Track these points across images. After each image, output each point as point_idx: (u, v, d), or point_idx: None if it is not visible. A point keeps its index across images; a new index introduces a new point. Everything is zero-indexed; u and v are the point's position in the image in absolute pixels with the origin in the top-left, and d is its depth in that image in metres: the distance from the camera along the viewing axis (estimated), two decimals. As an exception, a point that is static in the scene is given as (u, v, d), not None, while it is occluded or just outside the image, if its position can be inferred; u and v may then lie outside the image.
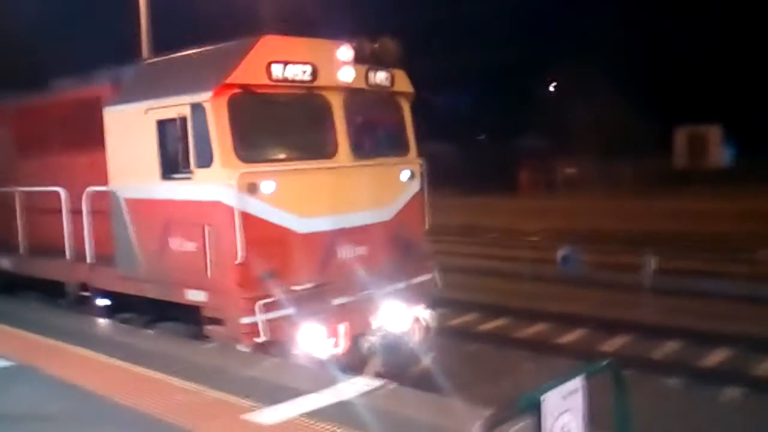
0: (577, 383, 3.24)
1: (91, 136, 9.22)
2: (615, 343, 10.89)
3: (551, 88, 48.27)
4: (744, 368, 9.39)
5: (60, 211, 9.91)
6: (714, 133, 43.24)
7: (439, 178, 9.46)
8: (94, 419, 5.71)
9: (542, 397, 3.06)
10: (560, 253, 16.28)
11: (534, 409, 3.04)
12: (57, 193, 9.88)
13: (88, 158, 9.55)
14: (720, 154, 43.52)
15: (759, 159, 37.63)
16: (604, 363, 3.42)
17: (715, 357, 9.95)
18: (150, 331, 8.67)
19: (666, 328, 11.18)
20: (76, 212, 9.62)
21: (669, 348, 10.47)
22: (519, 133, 47.95)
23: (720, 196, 32.39)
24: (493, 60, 44.28)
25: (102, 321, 9.28)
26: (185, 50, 8.76)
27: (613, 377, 3.51)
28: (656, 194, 34.86)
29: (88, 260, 9.51)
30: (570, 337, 11.39)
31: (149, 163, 8.22)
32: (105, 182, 9.00)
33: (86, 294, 9.76)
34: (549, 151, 44.53)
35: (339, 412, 5.58)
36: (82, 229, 9.50)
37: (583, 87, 39.94)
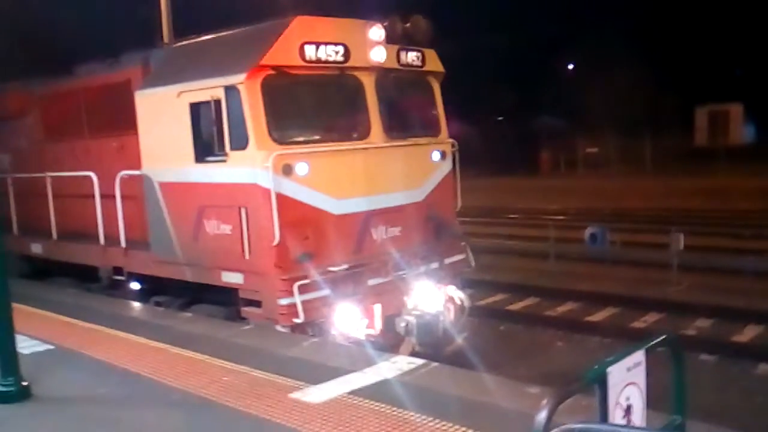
0: (639, 356, 3.24)
1: (122, 120, 9.28)
2: (646, 321, 10.89)
3: (570, 67, 47.72)
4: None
5: (92, 195, 9.99)
6: (735, 111, 42.69)
7: (461, 159, 9.44)
8: (144, 401, 5.79)
9: (608, 370, 3.07)
10: (588, 232, 16.19)
11: (600, 381, 3.05)
12: (89, 178, 9.95)
13: (120, 142, 9.64)
14: (741, 132, 42.99)
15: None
16: (664, 338, 3.43)
17: (747, 333, 9.93)
18: (188, 314, 8.77)
19: (696, 305, 11.17)
20: (108, 197, 9.70)
21: (700, 324, 10.45)
22: (538, 113, 47.56)
23: (742, 173, 32.05)
24: (511, 39, 43.82)
25: (138, 305, 9.40)
26: (213, 33, 8.76)
27: (672, 352, 3.51)
28: (678, 172, 34.56)
29: (122, 244, 9.62)
30: (600, 315, 11.38)
31: (183, 146, 8.25)
32: (137, 166, 9.06)
33: (119, 278, 9.89)
34: (569, 130, 44.18)
35: (381, 390, 5.63)
36: (115, 214, 9.59)
37: (603, 65, 39.44)
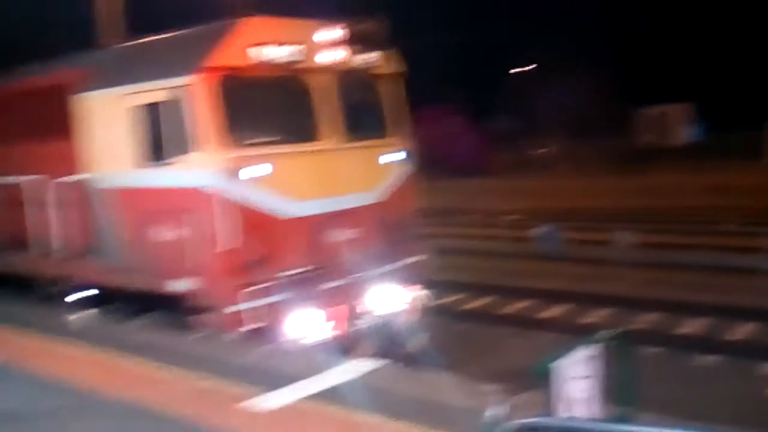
0: (587, 351, 3.31)
1: (60, 125, 8.88)
2: (596, 316, 11.11)
3: (521, 69, 48.54)
4: (717, 336, 9.71)
5: (29, 202, 9.59)
6: (679, 112, 44.15)
7: (416, 160, 9.48)
8: (86, 414, 5.61)
9: (555, 365, 3.12)
10: (539, 231, 16.48)
11: (547, 376, 3.10)
12: (24, 184, 9.53)
13: (57, 147, 9.21)
14: (685, 131, 44.48)
15: (725, 136, 38.59)
16: (612, 332, 3.50)
17: (692, 325, 10.23)
18: (133, 323, 8.51)
19: (643, 300, 11.44)
20: (47, 204, 9.34)
21: (647, 318, 10.72)
22: (490, 114, 48.24)
23: (686, 171, 33.17)
24: (463, 41, 44.34)
25: (81, 315, 9.01)
26: (158, 34, 8.56)
27: (619, 346, 3.59)
28: (626, 172, 35.48)
29: (62, 253, 9.25)
30: (553, 312, 11.56)
31: (127, 150, 8.01)
32: (76, 171, 8.71)
33: (60, 288, 9.52)
34: (520, 132, 44.94)
35: (336, 395, 5.60)
36: (54, 221, 9.22)
37: (552, 68, 40.29)
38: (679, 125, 44.03)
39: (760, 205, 21.52)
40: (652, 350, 9.22)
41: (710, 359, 8.86)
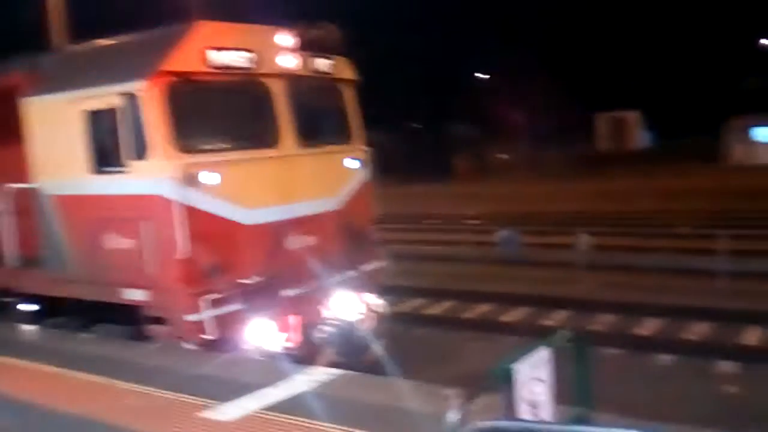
0: (544, 353, 3.29)
1: (9, 129, 8.57)
2: (555, 318, 11.24)
3: (481, 77, 49.18)
4: (674, 335, 9.90)
5: None
6: (633, 118, 45.31)
7: (377, 166, 9.46)
8: (39, 431, 5.41)
9: (514, 367, 3.09)
10: (500, 236, 16.62)
11: (506, 379, 3.07)
12: None
13: (8, 153, 8.87)
14: (639, 137, 45.65)
15: (677, 141, 39.76)
16: (568, 334, 3.50)
17: (648, 326, 10.42)
18: (87, 335, 8.25)
19: (601, 302, 11.63)
20: None
21: (605, 320, 10.88)
22: (452, 121, 48.73)
23: (641, 176, 34.02)
24: (426, 49, 44.73)
25: (30, 328, 8.75)
26: (110, 38, 8.36)
27: (576, 347, 3.59)
28: (583, 177, 36.21)
29: (12, 263, 8.90)
30: (513, 315, 11.65)
31: (78, 157, 7.78)
32: (23, 179, 8.43)
33: (11, 299, 9.16)
34: (482, 138, 45.50)
35: (297, 404, 5.51)
36: (4, 230, 8.88)
37: (513, 76, 40.91)
38: (635, 130, 45.15)
39: (715, 208, 22.17)
40: (610, 351, 9.35)
41: (667, 359, 9.04)
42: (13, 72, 8.93)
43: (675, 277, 13.22)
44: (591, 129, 44.98)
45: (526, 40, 42.22)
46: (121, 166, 7.39)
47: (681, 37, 44.47)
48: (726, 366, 8.55)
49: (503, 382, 3.08)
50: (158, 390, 6.01)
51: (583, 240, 14.50)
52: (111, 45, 8.27)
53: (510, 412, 3.11)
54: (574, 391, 3.77)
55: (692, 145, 38.66)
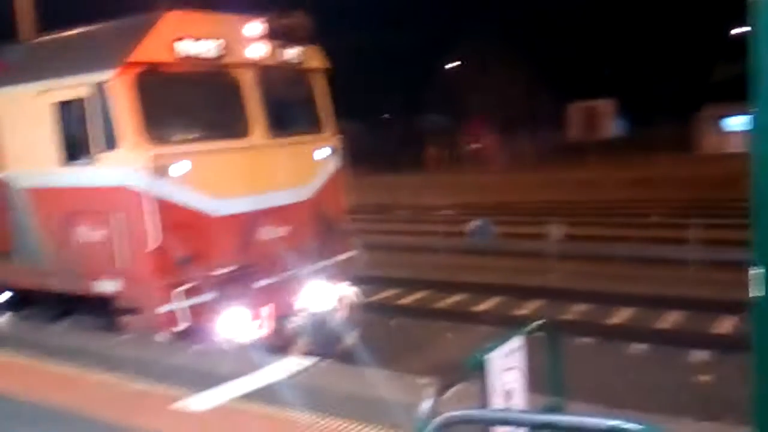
0: (517, 342, 3.33)
1: None
2: (528, 308, 11.34)
3: (452, 66, 49.22)
4: (646, 325, 10.01)
5: None
6: (605, 107, 45.69)
7: (349, 157, 9.44)
8: (11, 423, 5.33)
9: (487, 357, 3.12)
10: (472, 226, 16.72)
11: (479, 368, 3.10)
12: None
13: None
14: (611, 126, 46.08)
15: (650, 130, 40.23)
16: (540, 323, 3.54)
17: (620, 315, 10.55)
18: (58, 327, 8.18)
19: (574, 291, 11.74)
20: None
21: (578, 309, 11.00)
22: (424, 111, 48.74)
23: (611, 165, 34.37)
24: (397, 38, 44.62)
25: (4, 319, 8.66)
26: (77, 28, 8.21)
27: (548, 337, 3.63)
28: (555, 166, 36.51)
29: None
30: (486, 305, 11.73)
31: (46, 148, 7.68)
32: None
33: None
34: (453, 128, 45.57)
35: (270, 393, 5.51)
36: None
37: (484, 65, 41.04)
38: (607, 119, 45.58)
39: (687, 197, 22.52)
40: (583, 340, 9.45)
41: (639, 348, 9.10)
42: None
43: (647, 267, 13.37)
44: (563, 117, 45.32)
45: (499, 29, 42.37)
46: (90, 157, 7.30)
47: (655, 26, 45.02)
48: (698, 355, 8.63)
49: (476, 372, 3.11)
50: (130, 381, 5.97)
51: (555, 230, 14.67)
52: (79, 35, 8.14)
53: (483, 401, 3.14)
54: (547, 380, 3.81)
55: (665, 134, 39.16)
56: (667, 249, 14.15)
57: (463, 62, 46.83)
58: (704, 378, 8.03)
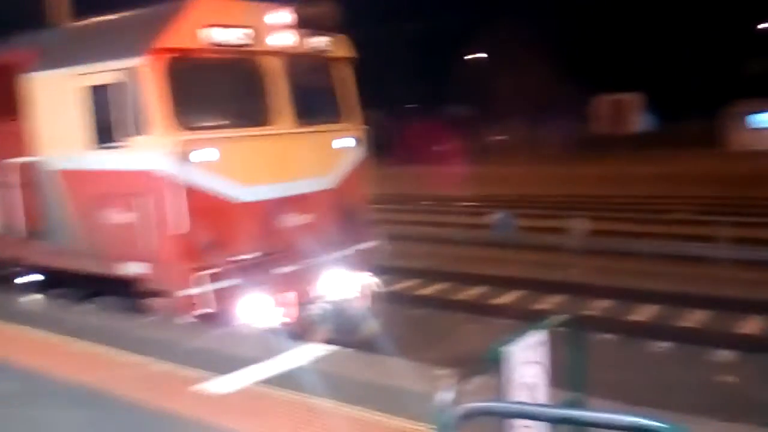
0: (539, 336, 3.32)
1: (11, 105, 8.66)
2: (549, 302, 11.27)
3: (479, 57, 48.84)
4: (670, 322, 9.91)
5: None
6: (634, 101, 45.02)
7: (373, 146, 9.45)
8: (41, 398, 5.49)
9: (507, 350, 3.12)
10: (494, 218, 16.64)
11: (499, 361, 3.10)
12: None
13: (9, 127, 9.00)
14: (639, 120, 45.40)
15: (678, 125, 39.53)
16: (564, 318, 3.53)
17: (644, 312, 10.44)
18: (86, 306, 8.35)
19: (596, 287, 11.64)
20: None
21: (600, 305, 10.92)
22: (448, 101, 48.45)
23: (639, 160, 33.92)
24: (422, 28, 44.36)
25: (36, 297, 8.85)
26: (111, 14, 8.34)
27: (571, 332, 3.62)
28: (580, 160, 36.12)
29: (12, 235, 9.02)
30: (507, 298, 11.70)
31: (79, 132, 7.82)
32: (29, 152, 8.51)
33: (12, 270, 9.29)
34: (477, 119, 45.24)
35: (291, 378, 5.56)
36: (4, 203, 9.00)
37: (510, 56, 40.63)
38: (634, 113, 44.91)
39: (712, 194, 22.15)
40: (604, 336, 9.37)
41: (662, 346, 9.01)
42: (15, 48, 8.95)
43: (672, 264, 13.19)
44: (589, 110, 44.73)
45: (526, 19, 41.81)
46: (120, 141, 7.42)
47: (684, 19, 44.15)
48: (723, 355, 8.50)
49: (495, 365, 3.11)
50: (154, 362, 6.08)
51: (579, 224, 14.55)
52: (110, 21, 8.28)
53: (501, 394, 3.15)
54: (568, 375, 3.81)
55: (692, 130, 38.49)
56: (692, 246, 13.93)
57: (488, 52, 46.42)
58: (728, 378, 7.93)
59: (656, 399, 6.53)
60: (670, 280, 11.86)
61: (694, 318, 10.03)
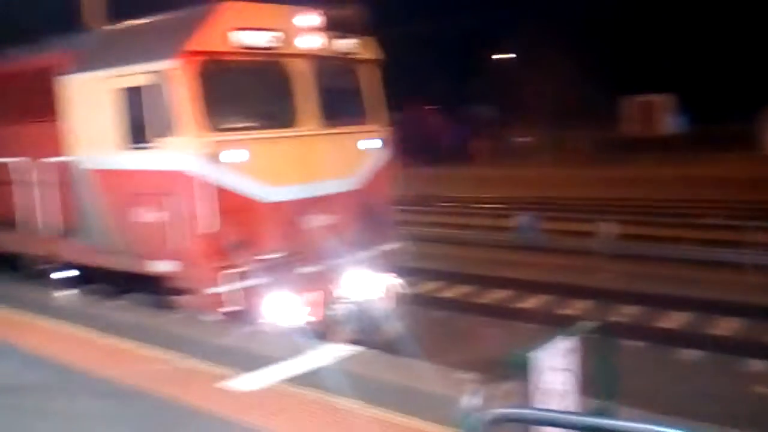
0: (568, 343, 3.28)
1: (47, 106, 8.87)
2: (575, 307, 11.12)
3: (504, 57, 48.47)
4: (701, 330, 9.69)
5: (16, 182, 9.58)
6: (663, 102, 44.22)
7: (396, 148, 9.45)
8: (71, 390, 5.61)
9: (534, 356, 3.09)
10: (518, 221, 16.50)
11: (526, 367, 3.07)
12: (6, 165, 9.54)
13: (44, 128, 9.19)
14: (669, 122, 44.58)
15: (712, 127, 38.67)
16: (593, 325, 3.48)
17: (674, 319, 10.24)
18: (117, 303, 8.52)
19: (624, 293, 11.42)
20: (32, 184, 9.31)
21: (628, 311, 10.73)
22: (472, 102, 48.14)
23: (669, 163, 33.27)
24: (446, 28, 44.16)
25: (67, 293, 9.06)
26: (143, 18, 8.48)
27: (601, 339, 3.57)
28: (608, 162, 35.59)
29: (47, 232, 9.23)
30: (531, 302, 11.57)
31: (111, 132, 7.98)
32: (62, 152, 8.71)
33: (46, 267, 9.49)
34: (502, 120, 44.89)
35: (315, 377, 5.60)
36: (40, 201, 9.20)
37: (535, 56, 40.23)
38: (665, 115, 44.11)
39: (747, 198, 21.60)
40: (633, 343, 9.17)
41: (692, 354, 8.81)
42: (51, 51, 9.15)
43: (703, 270, 12.87)
44: (618, 112, 44.04)
45: (553, 18, 41.35)
46: (151, 142, 7.56)
47: (719, 18, 43.28)
48: (756, 365, 8.30)
49: (520, 370, 3.08)
50: (181, 358, 6.16)
51: (606, 228, 14.33)
52: (143, 25, 8.43)
53: (526, 400, 3.12)
54: (595, 382, 3.76)
55: (728, 132, 37.60)
56: (725, 252, 13.53)
57: (514, 52, 46.03)
58: (762, 389, 7.74)
59: (686, 409, 6.39)
60: (702, 287, 11.59)
61: (727, 326, 9.78)
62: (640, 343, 9.24)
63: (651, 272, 13.06)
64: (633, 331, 9.60)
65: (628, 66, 43.30)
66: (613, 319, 10.30)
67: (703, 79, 42.21)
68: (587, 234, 15.28)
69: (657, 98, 43.70)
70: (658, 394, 7.26)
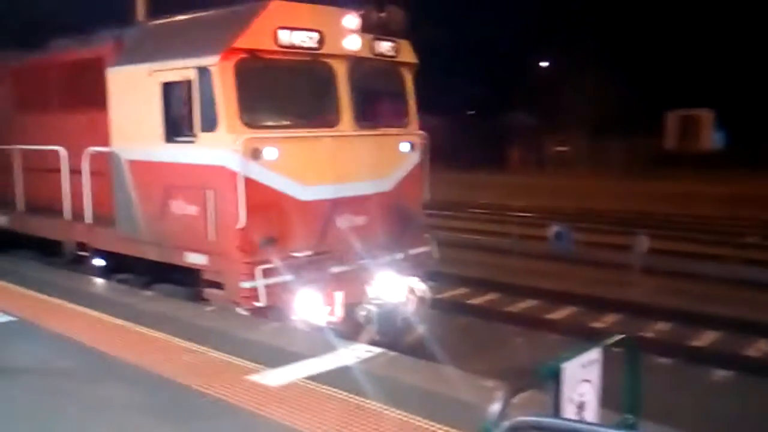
0: (594, 355, 3.29)
1: (93, 97, 9.13)
2: (605, 321, 10.99)
3: (543, 65, 48.08)
4: (734, 350, 9.47)
5: (59, 170, 9.88)
6: (705, 118, 43.39)
7: (430, 152, 9.47)
8: (100, 376, 5.75)
9: (562, 366, 3.10)
10: (552, 230, 16.36)
11: (554, 377, 3.09)
12: (56, 152, 9.83)
13: (90, 118, 9.47)
14: (710, 138, 43.73)
15: (750, 144, 37.85)
16: (621, 338, 3.47)
17: (705, 338, 10.05)
18: (149, 293, 8.69)
19: (656, 308, 11.25)
20: (75, 172, 9.58)
21: (659, 327, 10.57)
22: (509, 109, 47.85)
23: (709, 180, 32.61)
24: (485, 34, 43.96)
25: (101, 281, 9.31)
26: (188, 13, 8.66)
27: (628, 352, 3.56)
28: (646, 176, 35.04)
29: (87, 220, 9.47)
30: (560, 313, 11.47)
31: (153, 125, 8.15)
32: (106, 143, 8.94)
33: (83, 254, 9.76)
34: (539, 128, 44.52)
35: (339, 376, 5.64)
36: (81, 189, 9.47)
37: (576, 66, 39.84)
38: (706, 130, 43.26)
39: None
40: (661, 360, 9.05)
41: (723, 374, 8.62)
42: (101, 43, 9.40)
43: (739, 289, 12.61)
44: (658, 125, 43.33)
45: (596, 28, 40.83)
46: (191, 136, 7.70)
47: (761, 33, 42.22)
48: (789, 387, 8.10)
49: (550, 380, 3.10)
50: (211, 350, 6.27)
51: (642, 242, 14.13)
52: (189, 20, 8.60)
53: (554, 410, 3.13)
54: (621, 396, 3.74)
55: (766, 151, 36.73)
56: (762, 272, 13.30)
57: (554, 61, 45.61)
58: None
59: (713, 428, 6.29)
60: (736, 306, 11.34)
61: (760, 347, 9.58)
62: (668, 360, 9.09)
63: (685, 288, 12.82)
64: (662, 347, 9.43)
65: (671, 79, 42.52)
66: (643, 334, 10.12)
67: (745, 95, 41.21)
68: (622, 247, 15.08)
69: (699, 113, 42.87)
70: (683, 413, 7.12)
